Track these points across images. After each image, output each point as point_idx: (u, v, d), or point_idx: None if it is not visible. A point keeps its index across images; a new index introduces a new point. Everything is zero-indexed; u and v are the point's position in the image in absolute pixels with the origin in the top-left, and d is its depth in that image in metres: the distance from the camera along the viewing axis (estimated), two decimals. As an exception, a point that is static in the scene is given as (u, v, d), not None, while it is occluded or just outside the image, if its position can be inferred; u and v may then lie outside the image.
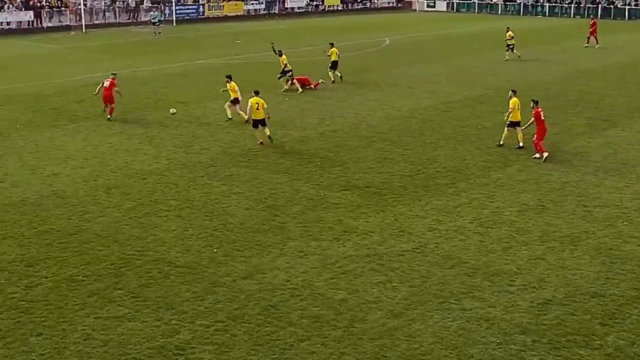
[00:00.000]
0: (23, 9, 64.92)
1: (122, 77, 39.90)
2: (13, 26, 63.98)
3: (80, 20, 65.68)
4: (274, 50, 36.55)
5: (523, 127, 25.35)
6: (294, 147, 26.21)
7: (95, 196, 21.06)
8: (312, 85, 36.82)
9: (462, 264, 16.63)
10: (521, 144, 25.65)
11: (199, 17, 75.25)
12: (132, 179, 22.70)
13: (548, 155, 24.51)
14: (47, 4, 67.50)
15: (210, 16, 76.17)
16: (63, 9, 67.72)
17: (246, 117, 28.26)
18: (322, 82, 37.51)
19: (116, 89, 30.07)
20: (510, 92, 26.36)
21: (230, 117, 29.73)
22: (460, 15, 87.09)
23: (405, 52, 51.82)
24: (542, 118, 24.69)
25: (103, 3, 70.84)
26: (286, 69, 36.05)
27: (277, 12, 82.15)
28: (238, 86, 29.63)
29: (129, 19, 71.02)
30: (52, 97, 34.86)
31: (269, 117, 26.48)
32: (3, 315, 14.27)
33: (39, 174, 23.09)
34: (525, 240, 18.01)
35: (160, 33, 61.91)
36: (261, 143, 26.36)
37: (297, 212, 19.83)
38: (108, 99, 29.94)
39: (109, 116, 30.07)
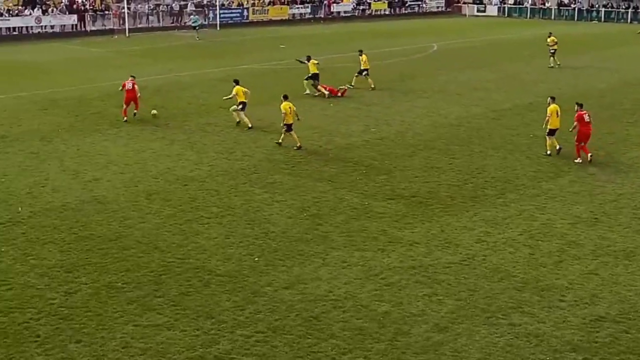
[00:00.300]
0: (67, 13, 66.00)
1: (165, 81, 40.46)
2: (57, 30, 65.07)
3: (123, 24, 66.49)
4: (300, 62, 36.90)
5: (570, 129, 25.20)
6: (338, 155, 26.23)
7: (136, 202, 21.30)
8: (339, 94, 36.66)
9: (510, 277, 16.46)
10: (558, 147, 25.57)
11: (243, 21, 75.69)
12: (173, 185, 22.91)
13: (583, 164, 24.64)
14: (91, 7, 68.55)
15: (255, 20, 76.60)
16: (106, 12, 68.68)
17: (250, 124, 29.52)
18: (348, 87, 37.33)
19: (137, 88, 31.74)
20: (549, 98, 26.22)
21: (250, 125, 29.79)
22: (511, 20, 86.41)
23: (454, 58, 51.57)
24: (586, 120, 24.65)
25: (147, 7, 71.67)
26: (311, 72, 36.49)
27: (322, 16, 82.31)
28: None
29: (172, 23, 71.67)
30: (95, 102, 35.36)
31: (298, 119, 27.03)
32: (42, 321, 14.50)
33: (80, 179, 23.43)
34: (577, 254, 17.77)
35: (198, 38, 62.31)
36: (299, 147, 26.66)
37: (341, 221, 19.83)
38: (132, 100, 31.35)
39: (135, 111, 31.56)
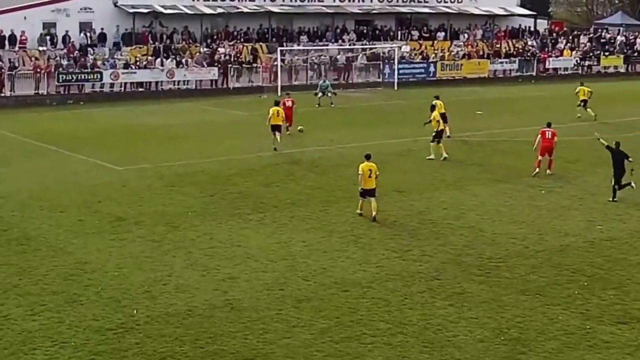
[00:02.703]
0: (206, 65, 68.44)
1: (325, 154, 41.28)
2: (192, 86, 67.64)
3: (275, 79, 68.43)
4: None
5: None
6: (551, 260, 25.78)
7: (280, 311, 21.61)
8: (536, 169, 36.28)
9: None
10: None
11: (429, 78, 76.50)
12: (329, 290, 23.14)
13: None
14: (237, 58, 70.61)
15: (443, 78, 77.31)
16: (255, 65, 70.75)
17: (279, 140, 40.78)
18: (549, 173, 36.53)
19: (295, 106, 46.08)
20: None
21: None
22: None
23: None
24: None
25: (308, 59, 73.20)
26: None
27: (534, 74, 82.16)
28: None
29: (336, 79, 72.95)
30: (234, 178, 36.37)
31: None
32: None
33: (211, 277, 24.06)
34: None
35: (318, 105, 61.59)
36: (360, 214, 29.22)
37: (552, 349, 19.39)
38: (288, 117, 44.89)
39: (287, 125, 44.41)
